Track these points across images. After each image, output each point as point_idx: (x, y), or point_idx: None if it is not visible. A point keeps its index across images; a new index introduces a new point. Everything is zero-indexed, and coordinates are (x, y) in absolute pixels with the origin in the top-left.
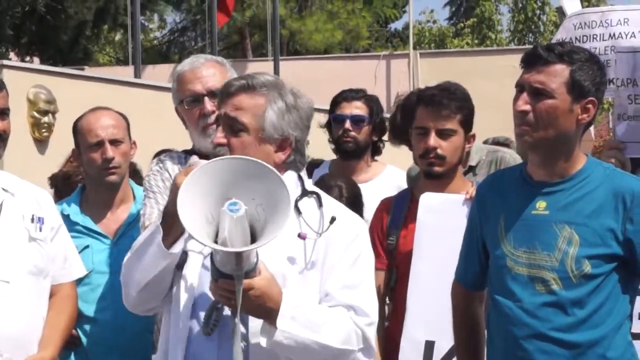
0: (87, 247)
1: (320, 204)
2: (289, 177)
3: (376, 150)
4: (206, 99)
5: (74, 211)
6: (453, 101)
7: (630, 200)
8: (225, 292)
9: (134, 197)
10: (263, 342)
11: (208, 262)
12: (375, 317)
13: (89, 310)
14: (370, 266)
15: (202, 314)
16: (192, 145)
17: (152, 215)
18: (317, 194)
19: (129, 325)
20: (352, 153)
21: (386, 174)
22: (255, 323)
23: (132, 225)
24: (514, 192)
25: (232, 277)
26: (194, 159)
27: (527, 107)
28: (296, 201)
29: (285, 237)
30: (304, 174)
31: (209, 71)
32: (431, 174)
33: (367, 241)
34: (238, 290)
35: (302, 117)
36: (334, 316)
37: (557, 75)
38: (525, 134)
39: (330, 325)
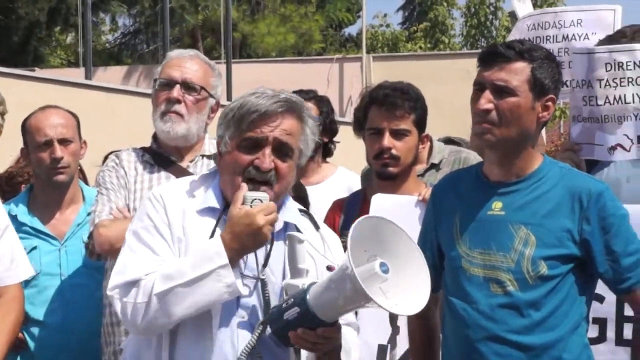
0: (34, 248)
1: (317, 226)
2: (291, 201)
3: (327, 152)
4: (178, 86)
5: (21, 211)
6: (407, 101)
7: (587, 200)
8: (323, 339)
9: (84, 198)
10: None
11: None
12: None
13: (37, 312)
14: None
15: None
16: (150, 144)
17: (102, 213)
18: (307, 212)
19: (78, 328)
20: None
21: (337, 176)
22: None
23: (81, 226)
24: (469, 192)
25: (331, 324)
26: (244, 188)
27: (490, 106)
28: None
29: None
30: None
31: (193, 65)
32: (385, 175)
33: None
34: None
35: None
36: (352, 338)
37: (518, 73)
38: (487, 132)
39: (354, 349)
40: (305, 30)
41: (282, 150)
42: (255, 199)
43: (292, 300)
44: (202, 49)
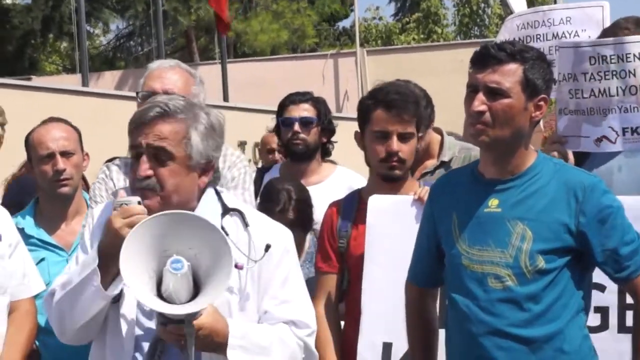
0: (42, 259)
1: (245, 224)
2: (209, 196)
3: (326, 152)
4: None
5: (28, 224)
6: (411, 104)
7: (582, 194)
8: (176, 335)
9: (88, 209)
10: None
11: None
12: (314, 325)
13: (45, 321)
14: (300, 276)
15: (144, 345)
16: None
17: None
18: (239, 211)
19: None
20: (303, 155)
21: (337, 175)
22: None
23: None
24: (466, 191)
25: (180, 322)
26: (120, 195)
27: (484, 107)
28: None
29: None
30: (219, 188)
31: (173, 75)
32: (392, 178)
33: (294, 252)
34: (190, 335)
35: (219, 135)
36: (279, 335)
37: (511, 75)
38: (482, 133)
39: (277, 346)
40: (299, 26)
41: (158, 155)
42: (122, 204)
43: None
44: (196, 49)
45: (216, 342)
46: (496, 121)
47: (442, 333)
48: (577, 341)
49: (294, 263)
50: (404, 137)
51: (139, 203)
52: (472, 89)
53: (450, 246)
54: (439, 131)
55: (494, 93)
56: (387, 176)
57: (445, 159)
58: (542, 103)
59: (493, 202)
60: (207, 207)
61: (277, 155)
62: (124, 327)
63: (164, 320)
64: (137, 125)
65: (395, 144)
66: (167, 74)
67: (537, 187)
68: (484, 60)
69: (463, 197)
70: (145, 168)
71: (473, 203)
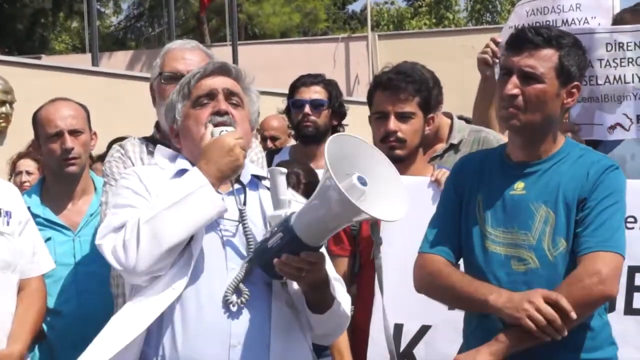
0: (49, 239)
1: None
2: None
3: None
4: None
5: (34, 203)
6: (410, 84)
7: (595, 170)
8: (304, 264)
9: (95, 189)
10: (316, 315)
11: (218, 233)
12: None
13: (53, 302)
14: None
15: (218, 285)
16: (151, 133)
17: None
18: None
19: (94, 316)
20: (313, 138)
21: None
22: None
23: (94, 216)
24: (492, 172)
25: (316, 249)
26: (216, 129)
27: (517, 91)
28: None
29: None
30: None
31: (196, 57)
32: (393, 158)
33: None
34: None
35: None
36: (339, 288)
37: (546, 60)
38: (514, 117)
39: (342, 297)
40: (310, 10)
41: (232, 98)
42: (223, 130)
43: (276, 228)
44: (207, 31)
45: (323, 277)
46: (528, 106)
47: (452, 314)
48: (598, 323)
49: None
50: (402, 117)
51: None
52: (506, 72)
53: (472, 227)
54: (449, 115)
55: (528, 77)
56: (388, 157)
57: (455, 141)
58: (574, 90)
59: (519, 185)
60: (250, 166)
61: (270, 143)
62: (200, 263)
63: (298, 248)
64: (204, 74)
65: (392, 123)
66: (190, 55)
67: (562, 171)
68: (520, 43)
69: (489, 179)
70: (226, 104)
71: (499, 185)
